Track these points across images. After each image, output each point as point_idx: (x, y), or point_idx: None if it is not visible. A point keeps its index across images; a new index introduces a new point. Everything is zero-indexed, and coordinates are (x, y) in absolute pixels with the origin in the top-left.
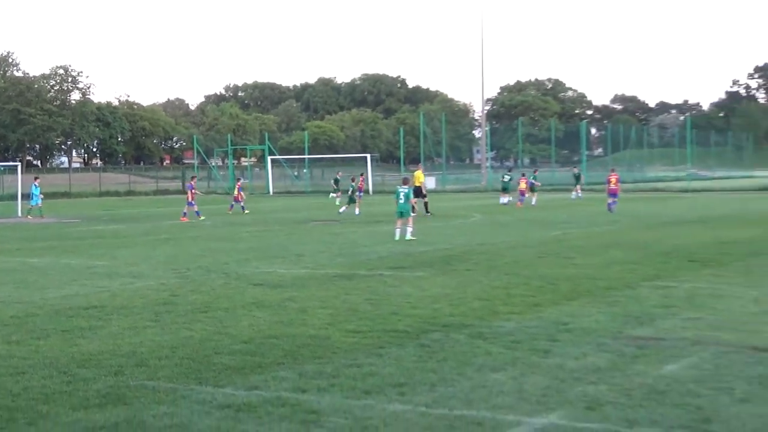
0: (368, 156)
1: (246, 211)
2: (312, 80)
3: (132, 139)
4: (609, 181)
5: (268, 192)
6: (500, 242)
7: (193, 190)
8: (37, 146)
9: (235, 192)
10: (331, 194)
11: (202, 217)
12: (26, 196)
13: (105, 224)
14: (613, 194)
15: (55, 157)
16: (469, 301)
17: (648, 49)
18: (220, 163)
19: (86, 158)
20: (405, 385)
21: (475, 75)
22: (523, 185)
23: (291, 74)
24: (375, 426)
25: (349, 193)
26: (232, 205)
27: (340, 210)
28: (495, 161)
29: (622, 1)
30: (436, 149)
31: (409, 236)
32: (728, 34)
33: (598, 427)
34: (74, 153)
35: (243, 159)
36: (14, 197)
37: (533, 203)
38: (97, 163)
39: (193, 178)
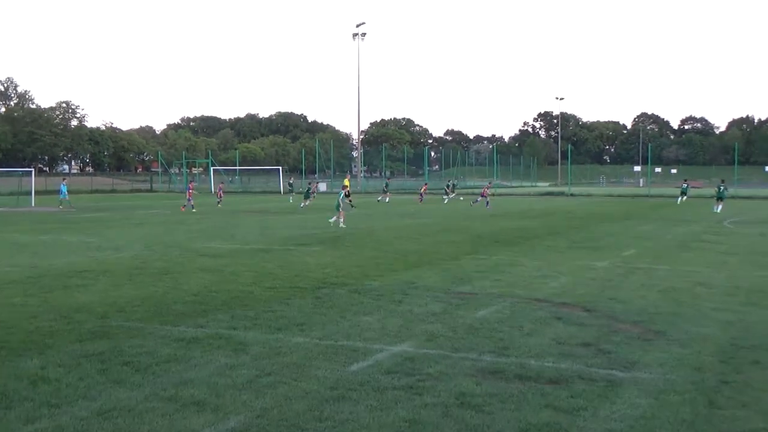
0: (280, 168)
1: (219, 206)
2: (242, 115)
3: (114, 154)
4: (484, 187)
5: (211, 192)
6: (370, 227)
7: (191, 191)
8: (46, 157)
9: (218, 191)
10: (288, 195)
11: (194, 210)
12: (39, 192)
13: (94, 213)
14: (482, 195)
15: (59, 165)
16: (349, 268)
17: (468, 98)
18: (177, 171)
19: (81, 166)
20: (304, 325)
21: (353, 113)
22: (423, 189)
23: (228, 110)
24: (284, 352)
25: (306, 192)
26: (218, 201)
27: (301, 205)
28: (367, 173)
29: (450, 62)
30: (327, 164)
31: (340, 224)
32: (522, 89)
33: (434, 352)
34: (73, 163)
35: (193, 169)
36: (29, 193)
37: (458, 198)
38: (89, 170)
39: (191, 182)
